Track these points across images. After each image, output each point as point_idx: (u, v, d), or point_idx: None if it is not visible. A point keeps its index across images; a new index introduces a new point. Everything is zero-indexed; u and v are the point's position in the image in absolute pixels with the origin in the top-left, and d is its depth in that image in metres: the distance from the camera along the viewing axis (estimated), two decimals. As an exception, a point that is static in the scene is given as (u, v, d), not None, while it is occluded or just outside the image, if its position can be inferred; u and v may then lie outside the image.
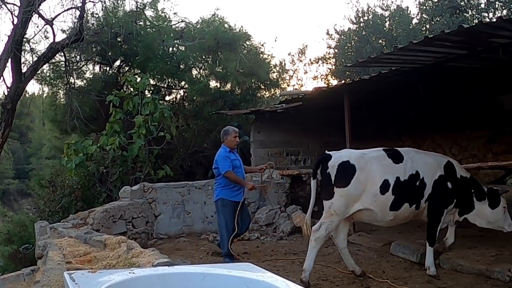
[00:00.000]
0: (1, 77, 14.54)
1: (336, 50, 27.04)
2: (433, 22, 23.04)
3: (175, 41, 17.56)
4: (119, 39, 16.84)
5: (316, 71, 40.68)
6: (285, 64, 27.91)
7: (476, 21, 15.93)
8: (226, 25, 17.98)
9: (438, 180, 7.73)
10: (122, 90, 16.09)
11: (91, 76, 18.45)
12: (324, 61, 28.24)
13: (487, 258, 8.04)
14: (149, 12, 17.71)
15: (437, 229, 7.85)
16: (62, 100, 18.52)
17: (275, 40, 38.96)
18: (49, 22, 15.10)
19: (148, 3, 17.46)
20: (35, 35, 16.75)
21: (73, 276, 3.43)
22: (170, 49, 17.73)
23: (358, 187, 7.43)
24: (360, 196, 7.46)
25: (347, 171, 7.48)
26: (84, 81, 18.26)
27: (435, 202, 7.74)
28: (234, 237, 9.17)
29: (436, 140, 14.94)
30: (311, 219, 11.66)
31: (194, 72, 18.81)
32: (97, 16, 16.79)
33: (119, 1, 17.04)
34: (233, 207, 8.98)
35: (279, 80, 21.30)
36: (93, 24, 16.65)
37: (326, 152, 7.95)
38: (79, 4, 14.79)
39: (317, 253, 7.65)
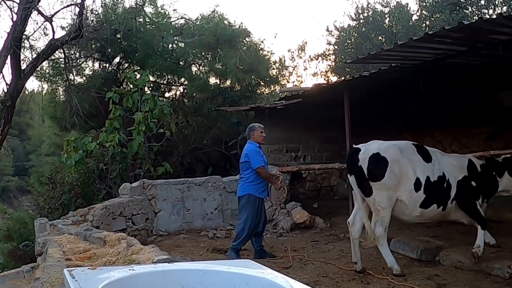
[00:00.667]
0: (1, 74, 14.55)
1: (336, 47, 27.06)
2: (433, 19, 23.07)
3: (175, 38, 17.55)
4: (118, 36, 16.82)
5: (316, 68, 40.83)
6: (284, 60, 27.97)
7: (476, 17, 15.93)
8: (225, 22, 17.99)
9: (462, 180, 7.92)
10: (121, 87, 16.09)
11: (90, 73, 18.47)
12: (324, 57, 28.28)
13: (487, 254, 8.02)
14: (148, 9, 17.75)
15: (479, 212, 8.02)
16: (61, 97, 18.53)
17: (275, 37, 39.27)
18: (49, 19, 15.10)
19: (147, 0, 17.43)
20: (35, 32, 16.80)
21: (73, 273, 3.42)
22: (170, 45, 17.72)
23: (394, 178, 7.48)
24: (397, 187, 7.51)
25: (380, 164, 7.51)
26: (84, 78, 18.26)
27: (461, 201, 7.92)
28: (255, 235, 9.15)
29: (436, 136, 14.92)
30: (310, 215, 11.73)
31: (194, 68, 18.83)
32: (96, 12, 16.83)
33: (118, -2, 17.05)
34: (258, 204, 9.00)
35: (279, 76, 21.31)
36: (92, 20, 16.64)
37: (355, 146, 8.02)
38: (79, 1, 14.81)
39: (389, 247, 7.87)
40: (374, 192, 7.52)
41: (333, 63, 27.34)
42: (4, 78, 14.67)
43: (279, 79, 21.14)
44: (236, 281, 3.54)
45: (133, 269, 3.60)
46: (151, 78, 17.22)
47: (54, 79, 17.85)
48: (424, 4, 24.35)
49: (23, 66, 14.93)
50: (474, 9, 22.22)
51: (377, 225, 7.60)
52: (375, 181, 7.49)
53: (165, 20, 17.52)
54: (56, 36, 15.28)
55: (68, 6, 14.94)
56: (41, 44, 21.17)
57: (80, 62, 18.07)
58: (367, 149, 7.73)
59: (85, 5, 15.20)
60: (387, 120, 15.68)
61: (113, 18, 16.31)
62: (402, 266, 8.03)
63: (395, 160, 7.53)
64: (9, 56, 14.17)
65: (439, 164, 7.77)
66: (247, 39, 18.58)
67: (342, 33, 26.57)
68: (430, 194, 7.55)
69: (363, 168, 7.55)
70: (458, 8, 21.52)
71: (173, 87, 19.34)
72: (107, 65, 18.26)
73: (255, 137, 9.19)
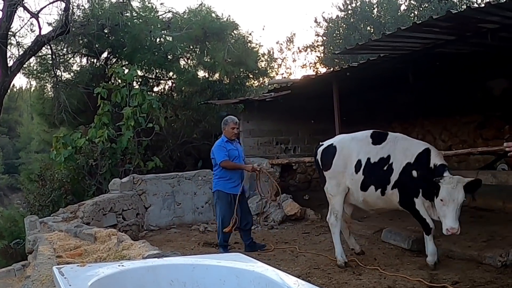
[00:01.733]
0: (-13, 72, 14.45)
1: (324, 38, 27.03)
2: (421, 8, 23.09)
3: (162, 32, 17.45)
4: (105, 31, 16.74)
5: (305, 59, 40.78)
6: (273, 52, 27.99)
7: (464, 6, 15.91)
8: (213, 15, 17.88)
9: (405, 167, 7.37)
10: (110, 82, 16.02)
11: (78, 68, 18.33)
12: (313, 49, 28.27)
13: (479, 243, 8.05)
14: (135, 3, 17.60)
15: (422, 218, 7.33)
16: (49, 93, 18.40)
17: (263, 29, 39.12)
18: (35, 15, 15.01)
19: (134, -6, 17.35)
20: (21, 28, 16.65)
21: (62, 271, 3.41)
22: (158, 39, 17.62)
23: (340, 164, 7.80)
24: (344, 174, 7.77)
25: (329, 154, 8.00)
26: (72, 74, 18.12)
27: (401, 192, 7.43)
28: (235, 229, 9.00)
29: (426, 126, 14.96)
30: (301, 207, 11.73)
31: (182, 62, 18.75)
32: (83, 8, 16.72)
33: (105, -8, 16.93)
34: (230, 200, 8.82)
35: (268, 69, 21.24)
36: (79, 16, 16.52)
37: (321, 142, 8.44)
38: (65, -4, 14.69)
39: (339, 235, 7.99)
40: (327, 181, 8.01)
41: (322, 55, 27.34)
42: (-10, 76, 14.59)
43: (268, 71, 21.07)
44: (225, 274, 3.53)
45: (123, 265, 3.58)
46: (139, 73, 17.16)
47: (41, 75, 17.74)
48: (412, -7, 24.36)
49: (10, 63, 14.84)
50: (462, -2, 22.24)
51: (330, 214, 8.03)
52: (326, 170, 7.99)
53: (152, 14, 17.40)
54: (43, 32, 15.20)
55: (54, 1, 14.89)
56: (28, 40, 21.00)
57: (68, 58, 17.94)
58: (326, 143, 8.23)
59: (71, 1, 15.13)
60: (377, 110, 15.72)
61: (100, 13, 16.20)
62: (394, 256, 8.06)
63: (342, 148, 7.89)
64: (-5, 53, 14.08)
65: (390, 147, 7.56)
66: (235, 31, 18.49)
67: (330, 24, 26.55)
68: (368, 175, 7.57)
69: (319, 160, 8.19)
70: (446, -3, 21.53)
71: (162, 81, 19.27)
72: (95, 60, 18.15)
73: (226, 132, 9.06)
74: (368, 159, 7.60)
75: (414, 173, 7.26)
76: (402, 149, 7.51)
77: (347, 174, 7.74)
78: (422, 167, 7.19)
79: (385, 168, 7.49)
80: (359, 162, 7.64)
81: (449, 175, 6.88)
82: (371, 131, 7.97)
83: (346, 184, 7.79)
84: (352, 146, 7.81)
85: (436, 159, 7.23)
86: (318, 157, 8.20)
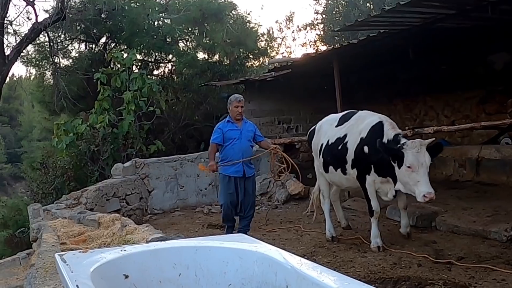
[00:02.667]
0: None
1: (323, 16, 26.89)
2: (420, -17, 22.85)
3: (160, 15, 17.37)
4: (103, 16, 16.66)
5: (305, 38, 40.64)
6: (272, 32, 27.88)
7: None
8: (211, -4, 17.78)
9: (358, 143, 7.17)
10: (109, 67, 15.93)
11: (77, 54, 18.31)
12: (312, 27, 28.11)
13: (483, 218, 8.01)
14: (132, -14, 17.48)
15: (368, 198, 7.24)
16: (49, 81, 18.35)
17: (262, 8, 38.93)
18: (30, 3, 14.93)
19: (130, -23, 17.23)
20: (17, 16, 16.66)
21: (64, 257, 3.40)
22: (156, 22, 17.54)
23: (315, 148, 8.22)
24: (317, 155, 8.15)
25: (311, 136, 8.47)
26: (70, 60, 18.09)
27: (357, 169, 7.27)
28: (239, 217, 8.61)
29: (428, 102, 14.89)
30: (305, 186, 11.71)
31: (181, 44, 18.70)
32: (79, -7, 16.59)
33: (100, -23, 16.79)
34: (229, 183, 8.33)
35: (268, 48, 21.15)
36: (75, 2, 16.46)
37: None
38: (60, -18, 14.58)
39: (329, 212, 8.30)
40: (314, 161, 8.47)
41: (322, 32, 27.19)
42: (-12, 66, 14.52)
43: (268, 51, 20.98)
44: (229, 256, 3.52)
45: (125, 250, 3.57)
46: (139, 57, 17.11)
47: (40, 63, 17.70)
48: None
49: (7, 52, 14.76)
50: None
51: (319, 192, 8.59)
52: (312, 152, 8.49)
53: (150, -3, 17.32)
54: (39, 20, 15.10)
55: (49, -12, 14.77)
56: (24, 29, 20.88)
57: (66, 45, 17.87)
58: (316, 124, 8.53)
59: (67, -14, 14.99)
60: (378, 87, 15.65)
61: (96, -3, 16.11)
62: (399, 233, 8.02)
63: (317, 131, 8.27)
64: (-8, 43, 14.01)
65: (349, 126, 7.48)
66: (233, 12, 18.39)
67: (329, 2, 26.41)
68: (325, 156, 7.81)
69: (307, 140, 8.67)
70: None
71: (161, 64, 19.22)
72: (93, 46, 18.06)
73: (231, 112, 8.55)
74: (327, 141, 7.80)
75: (366, 148, 7.04)
76: (358, 126, 7.36)
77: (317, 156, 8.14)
78: (374, 142, 6.75)
79: (339, 147, 7.48)
80: (321, 146, 7.95)
81: (408, 140, 6.59)
82: (345, 112, 8.08)
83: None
84: (323, 129, 8.13)
85: (390, 131, 6.88)
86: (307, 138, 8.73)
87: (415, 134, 10.08)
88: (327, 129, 7.99)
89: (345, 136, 7.45)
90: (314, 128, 8.45)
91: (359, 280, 3.13)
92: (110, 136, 12.94)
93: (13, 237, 13.25)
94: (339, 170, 7.55)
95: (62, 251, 5.07)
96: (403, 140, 6.62)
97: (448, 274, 5.99)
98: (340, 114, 8.15)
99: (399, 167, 6.47)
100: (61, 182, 12.90)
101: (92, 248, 5.81)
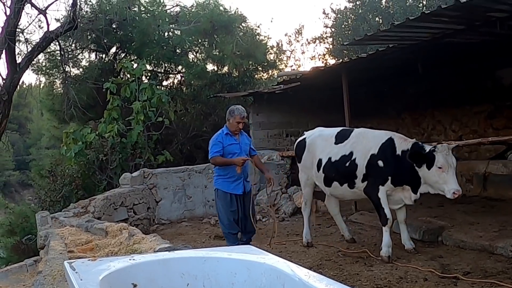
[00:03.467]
0: (-4, 68, 14.48)
1: (333, 29, 26.90)
2: (429, -2, 22.91)
3: (171, 26, 17.46)
4: (114, 26, 16.79)
5: (314, 51, 40.63)
6: (282, 45, 27.89)
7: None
8: (221, 8, 17.85)
9: (370, 159, 7.68)
10: (119, 77, 16.05)
11: (87, 64, 18.38)
12: (321, 40, 28.12)
13: (490, 233, 8.00)
14: (143, -2, 17.61)
15: (381, 207, 7.57)
16: (59, 89, 18.45)
17: (271, 21, 39.12)
18: (42, 12, 15.00)
19: (141, -12, 17.36)
20: (29, 25, 16.73)
21: (73, 265, 3.43)
22: (166, 33, 17.61)
23: (307, 160, 8.59)
24: (311, 170, 8.51)
25: (300, 148, 8.81)
26: (81, 70, 18.18)
27: (368, 181, 7.73)
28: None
29: (436, 116, 14.89)
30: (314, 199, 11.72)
31: (191, 56, 18.76)
32: (90, 3, 16.73)
33: (112, -13, 16.92)
34: (230, 200, 7.71)
35: (277, 61, 21.22)
36: (87, 11, 16.55)
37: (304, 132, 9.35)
38: (72, -8, 14.68)
39: (308, 219, 8.89)
40: (300, 172, 8.95)
41: (331, 46, 27.22)
42: (-1, 73, 14.61)
43: (277, 63, 21.05)
44: (237, 267, 3.54)
45: (134, 259, 3.60)
46: (148, 67, 17.17)
47: (50, 71, 17.80)
48: (421, -17, 24.20)
49: (19, 60, 14.85)
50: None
51: (303, 200, 9.13)
52: (298, 162, 8.90)
53: (160, 8, 17.40)
54: (51, 29, 15.18)
55: (61, -3, 14.86)
56: (36, 37, 21.02)
57: (76, 54, 17.97)
58: (303, 135, 9.03)
59: (79, -4, 15.10)
60: (386, 101, 15.66)
61: (107, 8, 16.22)
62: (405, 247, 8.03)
63: (310, 144, 8.59)
64: (4, 51, 14.08)
65: (352, 144, 7.97)
66: (243, 24, 18.46)
67: (339, 15, 26.42)
68: (328, 173, 8.13)
69: (294, 150, 9.03)
70: (454, -14, 21.37)
71: (171, 75, 19.30)
72: (104, 55, 18.17)
73: (230, 124, 7.78)
74: (329, 158, 8.14)
75: (380, 163, 7.55)
76: (364, 143, 7.88)
77: (313, 170, 8.47)
78: (388, 156, 7.51)
79: (347, 164, 7.89)
80: (320, 161, 8.28)
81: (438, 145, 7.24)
82: (339, 129, 8.51)
83: (313, 179, 8.59)
84: (317, 144, 8.46)
85: (403, 143, 7.54)
86: (294, 148, 9.07)
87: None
88: (323, 145, 8.34)
89: (351, 154, 7.88)
90: (304, 142, 8.77)
91: (366, 293, 3.16)
92: (119, 146, 12.99)
93: (20, 244, 13.30)
94: (345, 185, 7.95)
95: (69, 259, 5.11)
96: (426, 146, 7.31)
97: (454, 289, 6.00)
98: (333, 131, 8.49)
99: (429, 169, 7.07)
100: (69, 190, 12.93)
101: (100, 256, 5.84)
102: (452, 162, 7.00)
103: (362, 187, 7.78)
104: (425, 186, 7.32)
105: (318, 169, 8.28)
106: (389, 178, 7.49)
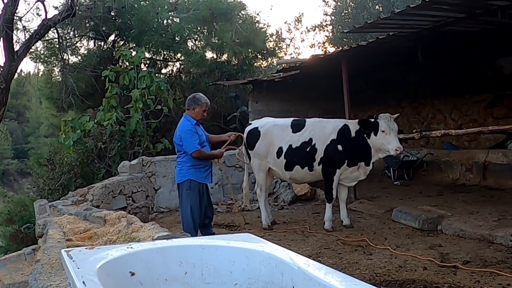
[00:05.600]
0: (-6, 56, 14.40)
1: (333, 17, 26.87)
2: (430, -14, 22.80)
3: (170, 13, 17.38)
4: (112, 13, 16.72)
5: (313, 39, 40.70)
6: (281, 32, 27.92)
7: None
8: (220, -5, 17.78)
9: (329, 143, 8.71)
10: (117, 65, 15.97)
11: (85, 52, 18.32)
12: (321, 28, 28.08)
13: (490, 223, 8.00)
14: (141, -15, 17.51)
15: (332, 188, 8.77)
16: (57, 77, 18.39)
17: (271, 9, 38.87)
18: (40, -1, 14.91)
19: (140, -24, 17.25)
20: (27, 12, 16.72)
21: (71, 254, 3.40)
22: (165, 21, 17.55)
23: (262, 148, 9.15)
24: (266, 157, 9.17)
25: (253, 136, 9.32)
26: (79, 57, 18.13)
27: (326, 164, 8.72)
28: (202, 228, 7.65)
29: (436, 105, 14.87)
30: (311, 187, 11.72)
31: (190, 44, 18.71)
32: (89, -10, 16.61)
33: (110, -25, 16.82)
34: (202, 191, 7.48)
35: (276, 49, 21.11)
36: (85, -1, 16.47)
37: (250, 122, 10.19)
38: (70, -21, 14.58)
39: (264, 203, 9.48)
40: (251, 159, 9.41)
41: (331, 34, 27.19)
42: (-3, 61, 14.53)
43: (276, 51, 20.95)
44: (235, 255, 3.52)
45: (131, 247, 3.57)
46: (147, 55, 17.13)
47: (49, 59, 17.74)
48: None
49: (17, 48, 14.77)
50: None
51: (256, 187, 9.62)
52: (250, 150, 9.34)
53: (159, -5, 17.34)
54: (49, 16, 15.08)
55: (60, -16, 14.76)
56: (34, 25, 20.94)
57: (75, 42, 17.91)
58: (252, 124, 9.73)
59: (77, -16, 14.99)
60: (386, 89, 15.63)
61: (106, -5, 16.15)
62: (405, 236, 8.05)
63: (265, 133, 9.19)
64: (1, 38, 14.00)
65: (310, 131, 8.91)
66: (242, 12, 18.37)
67: (338, 3, 26.38)
68: (290, 158, 8.91)
69: (245, 138, 9.31)
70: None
71: (170, 63, 19.26)
72: (102, 43, 18.12)
73: (195, 113, 7.47)
74: (290, 145, 8.94)
75: (340, 147, 8.66)
76: (322, 130, 8.87)
77: (269, 158, 9.13)
78: (346, 139, 8.66)
79: (308, 149, 8.81)
80: (280, 148, 8.99)
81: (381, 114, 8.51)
82: (291, 119, 9.35)
83: (268, 165, 9.24)
84: (274, 134, 9.13)
85: (355, 128, 8.68)
86: (245, 135, 9.38)
87: (423, 137, 10.08)
88: (281, 134, 9.08)
89: (310, 140, 8.83)
90: (257, 131, 9.33)
91: (365, 282, 3.13)
92: (117, 134, 12.93)
93: (18, 233, 13.28)
94: (306, 168, 8.89)
95: (68, 248, 5.08)
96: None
97: (453, 278, 5.99)
98: (287, 121, 9.33)
99: (376, 135, 8.34)
100: (67, 179, 12.89)
101: (98, 245, 5.81)
102: (393, 127, 8.24)
103: (320, 169, 8.80)
104: (375, 153, 8.56)
105: (278, 156, 9.01)
106: (346, 161, 8.63)
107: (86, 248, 3.55)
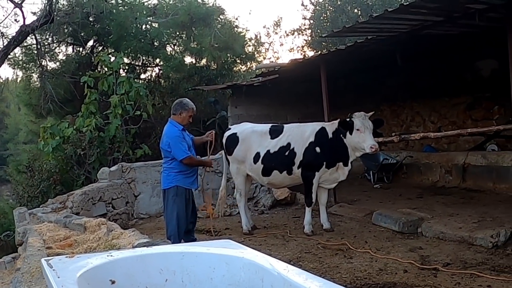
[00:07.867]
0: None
1: (311, 21, 26.92)
2: (408, -10, 22.96)
3: (148, 18, 17.38)
4: (90, 19, 16.67)
5: (292, 43, 40.79)
6: (260, 37, 27.81)
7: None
8: (199, 0, 17.78)
9: (308, 146, 8.76)
10: (96, 71, 15.94)
11: (64, 58, 18.25)
12: (300, 32, 28.10)
13: (469, 225, 8.05)
14: (120, -10, 17.47)
15: (311, 191, 8.80)
16: (36, 83, 18.28)
17: (249, 13, 38.48)
18: (18, 5, 14.86)
19: (118, -19, 17.21)
20: (5, 19, 16.57)
21: (51, 263, 3.39)
22: (143, 26, 17.53)
23: (240, 154, 9.21)
24: (244, 162, 9.22)
25: (232, 141, 9.38)
26: (57, 63, 18.04)
27: (305, 167, 8.76)
28: (185, 233, 7.55)
29: (415, 108, 14.95)
30: (291, 192, 11.73)
31: (169, 49, 18.73)
32: (67, -4, 16.55)
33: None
34: (188, 197, 7.50)
35: (255, 53, 21.20)
36: (63, 4, 16.45)
37: (230, 127, 10.24)
38: (47, -15, 14.53)
39: (244, 208, 9.48)
40: (230, 164, 9.50)
41: (309, 38, 27.23)
42: (-25, 67, 14.43)
43: (255, 56, 21.04)
44: (215, 262, 3.52)
45: (112, 255, 3.56)
46: (126, 60, 17.08)
47: (27, 65, 17.67)
48: (399, -25, 24.24)
49: (-5, 54, 14.69)
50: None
51: (236, 192, 9.71)
52: (229, 155, 9.44)
53: (138, 0, 17.33)
54: (27, 22, 15.03)
55: (37, -10, 14.71)
56: (12, 31, 20.79)
57: (53, 48, 17.84)
58: (231, 129, 9.75)
59: (55, -11, 14.94)
60: (365, 93, 15.69)
61: (84, 1, 16.09)
62: (385, 239, 8.08)
63: (244, 139, 9.24)
64: (-21, 45, 13.91)
65: (288, 136, 8.97)
66: (221, 16, 18.42)
67: (317, 7, 26.44)
68: (267, 163, 8.96)
69: (224, 143, 9.52)
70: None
71: (149, 68, 19.23)
72: (81, 49, 18.05)
73: (181, 118, 7.51)
74: (268, 151, 8.98)
75: (318, 149, 8.71)
76: (300, 134, 8.93)
77: (247, 163, 9.18)
78: (324, 141, 8.71)
79: (286, 153, 8.85)
80: (257, 154, 9.03)
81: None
82: (269, 126, 9.41)
83: (245, 170, 9.27)
84: (252, 140, 9.18)
85: (331, 129, 8.76)
86: (224, 140, 9.54)
87: (402, 140, 10.14)
88: (259, 140, 9.12)
89: (289, 144, 8.88)
90: (236, 136, 9.36)
91: (345, 286, 3.14)
92: (97, 140, 12.87)
93: (-2, 241, 13.16)
94: (284, 172, 8.92)
95: (48, 256, 5.05)
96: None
97: (434, 280, 6.02)
98: (265, 127, 9.38)
99: (351, 134, 8.38)
100: (47, 186, 12.80)
101: (78, 252, 5.79)
102: (368, 125, 8.29)
103: (299, 173, 8.81)
104: (352, 153, 8.62)
105: (255, 161, 9.05)
106: (324, 163, 8.67)
107: (66, 257, 3.53)
